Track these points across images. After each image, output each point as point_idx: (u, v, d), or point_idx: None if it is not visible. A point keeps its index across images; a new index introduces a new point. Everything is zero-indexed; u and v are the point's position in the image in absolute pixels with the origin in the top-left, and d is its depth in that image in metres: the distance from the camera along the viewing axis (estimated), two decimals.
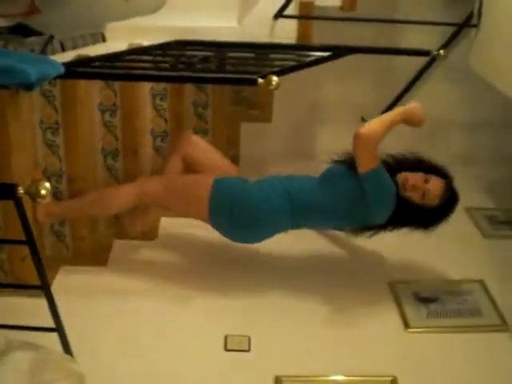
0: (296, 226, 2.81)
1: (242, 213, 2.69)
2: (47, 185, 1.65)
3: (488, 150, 3.93)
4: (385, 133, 2.60)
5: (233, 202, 2.69)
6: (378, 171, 2.62)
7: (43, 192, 1.65)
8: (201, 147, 2.97)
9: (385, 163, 2.72)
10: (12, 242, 1.83)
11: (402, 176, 2.71)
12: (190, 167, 2.95)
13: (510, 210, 3.57)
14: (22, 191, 1.65)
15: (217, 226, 2.78)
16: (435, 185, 2.71)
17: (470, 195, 3.61)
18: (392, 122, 2.64)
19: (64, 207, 2.79)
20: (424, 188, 2.68)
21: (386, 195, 2.65)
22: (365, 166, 2.60)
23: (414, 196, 2.68)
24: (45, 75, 2.24)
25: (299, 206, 2.71)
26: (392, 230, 2.81)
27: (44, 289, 1.79)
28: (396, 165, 2.78)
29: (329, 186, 2.73)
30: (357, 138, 2.57)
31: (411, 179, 2.69)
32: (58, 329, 1.86)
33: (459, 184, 3.59)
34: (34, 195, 1.65)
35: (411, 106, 2.70)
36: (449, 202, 2.77)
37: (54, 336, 1.97)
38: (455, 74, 3.52)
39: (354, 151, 2.62)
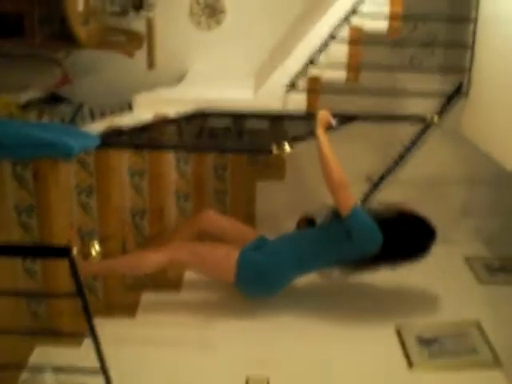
0: (304, 274, 3.21)
1: (263, 279, 3.09)
2: (97, 247, 1.93)
3: (485, 204, 4.13)
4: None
5: (255, 273, 3.08)
6: (358, 209, 2.99)
7: (94, 253, 1.93)
8: (221, 224, 3.32)
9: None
10: (66, 295, 2.08)
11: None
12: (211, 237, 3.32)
13: (505, 259, 3.80)
14: (75, 252, 1.92)
15: (240, 289, 3.16)
16: None
17: (469, 245, 3.93)
18: (327, 142, 2.98)
19: (100, 266, 3.03)
20: None
21: (370, 229, 2.99)
22: (346, 206, 2.96)
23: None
24: (85, 148, 2.54)
25: (305, 261, 3.11)
26: (384, 265, 3.14)
27: (93, 336, 2.04)
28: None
29: (323, 235, 3.12)
30: (333, 189, 2.96)
31: None
32: (104, 372, 2.10)
33: (459, 235, 3.91)
34: (87, 255, 1.93)
35: (320, 117, 3.03)
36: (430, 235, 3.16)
37: (96, 380, 2.22)
38: (451, 135, 3.75)
39: (334, 199, 2.98)
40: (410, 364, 2.88)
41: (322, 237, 3.13)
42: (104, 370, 2.11)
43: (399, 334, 3.09)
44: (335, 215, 3.07)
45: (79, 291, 1.99)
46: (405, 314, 3.25)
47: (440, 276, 3.58)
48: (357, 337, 3.06)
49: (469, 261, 3.79)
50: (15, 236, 2.71)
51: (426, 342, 3.04)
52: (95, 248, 1.92)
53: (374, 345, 3.02)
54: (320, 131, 2.99)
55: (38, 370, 2.19)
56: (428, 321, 3.20)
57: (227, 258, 3.07)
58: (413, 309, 3.31)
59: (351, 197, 2.99)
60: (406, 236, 3.10)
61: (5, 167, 2.62)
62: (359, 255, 3.05)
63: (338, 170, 2.94)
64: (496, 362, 2.89)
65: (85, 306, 2.00)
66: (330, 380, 2.77)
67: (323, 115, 3.05)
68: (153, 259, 3.05)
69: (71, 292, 2.01)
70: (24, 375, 2.40)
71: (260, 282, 3.09)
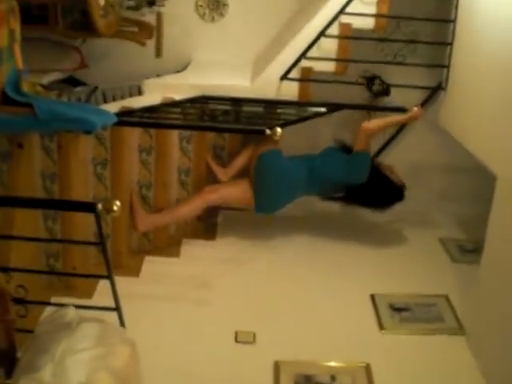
0: (308, 193, 4.18)
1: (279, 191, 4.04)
2: (118, 203, 2.53)
3: (464, 191, 4.72)
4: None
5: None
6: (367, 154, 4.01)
7: (115, 208, 2.52)
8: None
9: None
10: (89, 243, 2.67)
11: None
12: None
13: (477, 241, 4.23)
14: (100, 207, 2.52)
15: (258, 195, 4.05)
16: None
17: (444, 228, 4.54)
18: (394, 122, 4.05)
19: (158, 220, 3.94)
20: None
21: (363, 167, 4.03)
22: (361, 147, 3.97)
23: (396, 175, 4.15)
24: (105, 124, 3.14)
25: (314, 177, 4.01)
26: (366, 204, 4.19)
27: (110, 278, 2.66)
28: None
29: (329, 160, 4.06)
30: (366, 134, 3.93)
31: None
32: (118, 309, 2.72)
33: (436, 218, 4.51)
34: (109, 210, 2.52)
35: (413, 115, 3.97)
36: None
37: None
38: (433, 125, 4.35)
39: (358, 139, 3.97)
40: (381, 327, 3.48)
41: (335, 155, 4.08)
42: (118, 306, 2.73)
43: (373, 300, 3.68)
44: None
45: (101, 240, 2.61)
46: (380, 286, 3.83)
47: (416, 254, 4.22)
48: (335, 300, 3.68)
49: (444, 241, 4.38)
50: None
51: (397, 309, 3.63)
52: (116, 204, 2.51)
53: (350, 308, 3.64)
54: (403, 119, 4.01)
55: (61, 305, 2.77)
56: (401, 292, 3.79)
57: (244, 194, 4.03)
58: (388, 280, 3.90)
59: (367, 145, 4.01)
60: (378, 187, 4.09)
61: (34, 138, 3.23)
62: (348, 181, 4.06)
63: (379, 130, 3.97)
64: (460, 330, 3.47)
65: (104, 251, 2.62)
66: (308, 337, 3.35)
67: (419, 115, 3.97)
68: (191, 209, 3.99)
69: (94, 241, 2.63)
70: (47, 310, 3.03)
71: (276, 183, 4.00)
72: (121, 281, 3.42)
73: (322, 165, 4.03)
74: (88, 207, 2.56)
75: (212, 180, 4.16)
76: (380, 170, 4.09)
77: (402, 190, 4.15)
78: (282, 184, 3.98)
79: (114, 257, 3.73)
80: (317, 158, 4.08)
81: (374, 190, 4.08)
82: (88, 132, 3.12)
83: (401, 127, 4.51)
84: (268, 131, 3.31)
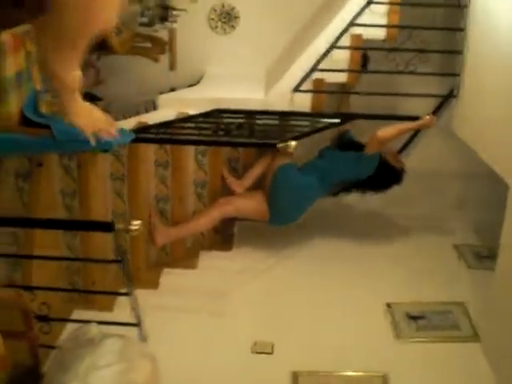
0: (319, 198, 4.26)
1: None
2: (136, 223, 2.61)
3: (479, 198, 4.77)
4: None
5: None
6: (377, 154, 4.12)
7: (133, 228, 2.61)
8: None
9: None
10: (111, 261, 2.75)
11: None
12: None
13: (493, 248, 4.25)
14: (119, 227, 2.61)
15: (274, 212, 4.16)
16: None
17: (460, 234, 4.59)
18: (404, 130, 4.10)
19: (175, 233, 4.03)
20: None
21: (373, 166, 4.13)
22: (373, 150, 4.10)
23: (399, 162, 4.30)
24: (122, 143, 3.22)
25: (326, 184, 4.14)
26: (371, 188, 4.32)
27: (130, 295, 2.73)
28: None
29: (338, 164, 4.16)
30: (379, 141, 4.04)
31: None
32: (139, 324, 2.80)
33: (452, 224, 4.53)
34: (127, 230, 2.61)
35: (425, 123, 4.06)
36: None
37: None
38: (448, 132, 4.38)
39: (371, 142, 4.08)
40: (397, 335, 3.54)
41: (343, 158, 4.17)
42: (139, 322, 2.81)
43: (390, 309, 3.74)
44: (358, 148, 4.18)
45: (121, 257, 2.69)
46: (396, 292, 3.90)
47: (432, 260, 4.27)
48: (352, 309, 3.75)
49: (459, 248, 4.43)
50: (60, 216, 3.41)
51: (413, 318, 3.69)
52: (134, 223, 2.60)
53: (367, 318, 3.70)
54: (411, 126, 4.13)
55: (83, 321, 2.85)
56: (417, 299, 3.84)
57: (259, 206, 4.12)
58: (403, 288, 3.96)
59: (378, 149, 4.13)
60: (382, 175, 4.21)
61: (54, 157, 3.33)
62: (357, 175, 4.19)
63: (391, 138, 4.06)
64: (475, 337, 3.53)
65: (125, 268, 2.70)
66: (326, 347, 3.42)
67: (431, 123, 4.10)
68: (208, 221, 4.06)
69: (113, 257, 2.71)
70: (69, 326, 3.11)
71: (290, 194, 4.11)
72: (139, 293, 3.51)
73: (332, 171, 4.12)
74: (107, 227, 2.64)
75: (228, 192, 4.23)
76: (385, 159, 4.15)
77: (402, 174, 4.26)
78: (296, 199, 4.06)
79: (133, 272, 3.77)
80: (325, 164, 4.15)
81: (377, 177, 4.17)
82: (105, 151, 3.21)
83: (414, 134, 4.56)
84: (281, 144, 3.39)
